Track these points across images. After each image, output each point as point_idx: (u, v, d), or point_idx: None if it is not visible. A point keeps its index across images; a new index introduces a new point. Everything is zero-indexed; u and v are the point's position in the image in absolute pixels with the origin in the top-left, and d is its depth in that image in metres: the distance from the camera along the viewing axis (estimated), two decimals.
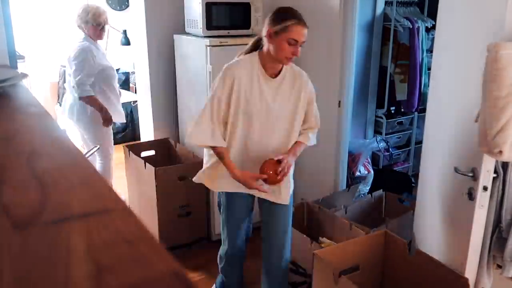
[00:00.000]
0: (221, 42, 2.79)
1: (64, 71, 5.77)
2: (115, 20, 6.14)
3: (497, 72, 1.42)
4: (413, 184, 3.54)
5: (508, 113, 1.43)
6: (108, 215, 0.45)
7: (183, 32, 3.09)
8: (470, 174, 1.66)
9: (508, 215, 1.67)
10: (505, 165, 1.64)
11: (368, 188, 3.50)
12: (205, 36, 2.80)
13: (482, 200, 1.65)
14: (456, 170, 1.72)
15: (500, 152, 1.47)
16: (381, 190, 3.07)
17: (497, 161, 1.61)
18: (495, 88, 1.43)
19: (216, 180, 2.12)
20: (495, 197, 1.66)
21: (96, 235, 0.41)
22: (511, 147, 1.46)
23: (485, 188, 1.63)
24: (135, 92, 4.70)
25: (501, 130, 1.45)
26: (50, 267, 0.36)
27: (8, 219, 0.43)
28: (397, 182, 3.61)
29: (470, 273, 1.77)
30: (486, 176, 1.62)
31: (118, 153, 5.06)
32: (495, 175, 1.64)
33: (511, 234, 1.66)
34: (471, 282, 1.77)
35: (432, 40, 2.48)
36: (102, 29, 3.20)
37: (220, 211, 2.28)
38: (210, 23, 2.82)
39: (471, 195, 1.67)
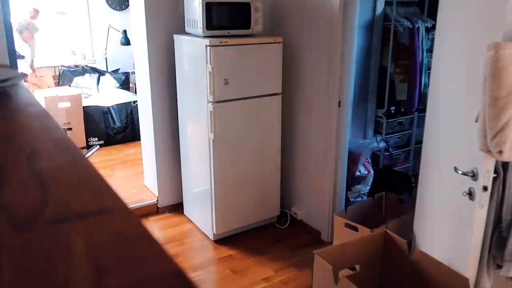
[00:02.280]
0: (221, 42, 2.79)
1: (64, 71, 5.79)
2: (115, 20, 6.14)
3: (497, 72, 1.42)
4: (413, 184, 3.54)
5: (508, 113, 1.43)
6: (108, 215, 0.45)
7: (183, 32, 3.09)
8: (470, 174, 1.66)
9: (508, 215, 1.67)
10: (505, 165, 1.64)
11: (368, 188, 3.50)
12: (205, 36, 2.80)
13: (482, 200, 1.64)
14: (456, 170, 1.72)
15: (500, 152, 1.47)
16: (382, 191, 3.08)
17: (497, 161, 1.61)
18: (495, 88, 1.43)
19: None
20: (495, 197, 1.66)
21: (96, 235, 0.41)
22: (511, 147, 1.46)
23: (485, 188, 1.63)
24: (135, 92, 4.70)
25: (501, 130, 1.45)
26: (50, 267, 0.36)
27: (8, 219, 0.43)
28: (397, 182, 3.61)
29: (470, 273, 1.77)
30: (486, 176, 1.62)
31: (117, 153, 5.07)
32: (495, 175, 1.63)
33: (511, 234, 1.66)
34: (471, 282, 1.77)
35: (432, 40, 2.48)
36: None
37: None
38: (210, 23, 2.82)
39: (471, 195, 1.67)
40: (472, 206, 1.68)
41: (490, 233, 1.72)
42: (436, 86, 2.10)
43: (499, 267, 1.78)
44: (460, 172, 1.70)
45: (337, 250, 2.19)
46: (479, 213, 1.67)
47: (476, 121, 1.55)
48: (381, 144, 3.94)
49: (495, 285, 1.82)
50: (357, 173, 3.48)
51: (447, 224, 1.96)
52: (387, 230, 2.26)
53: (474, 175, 1.65)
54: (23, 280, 0.34)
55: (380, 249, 2.24)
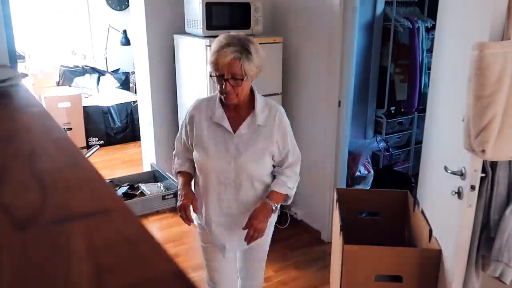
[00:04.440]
0: None
1: (64, 71, 5.79)
2: (115, 20, 6.14)
3: (481, 71, 1.43)
4: (413, 184, 3.54)
5: (491, 113, 1.44)
6: (108, 215, 0.45)
7: (183, 32, 3.09)
8: (459, 173, 1.66)
9: (496, 215, 1.67)
10: (493, 164, 1.64)
11: (368, 188, 3.50)
12: (205, 36, 2.80)
13: (470, 200, 1.64)
14: (445, 169, 1.72)
15: (483, 151, 1.47)
16: None
17: (485, 161, 1.61)
18: (478, 87, 1.44)
19: None
20: (483, 197, 1.66)
21: (96, 235, 0.41)
22: (494, 146, 1.46)
23: (472, 188, 1.62)
24: (135, 92, 4.70)
25: (484, 129, 1.45)
26: (50, 267, 0.36)
27: (8, 219, 0.43)
28: (397, 182, 3.61)
29: (458, 273, 1.76)
30: (473, 175, 1.61)
31: (117, 153, 5.07)
32: (483, 174, 1.63)
33: (498, 234, 1.65)
34: (460, 282, 1.77)
35: (432, 40, 2.48)
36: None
37: None
38: (210, 23, 2.82)
39: (459, 194, 1.67)
40: (461, 205, 1.68)
41: (478, 232, 1.71)
42: (436, 86, 2.10)
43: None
44: (449, 171, 1.71)
45: (359, 193, 2.29)
46: (467, 212, 1.67)
47: (463, 120, 1.55)
48: (381, 144, 3.94)
49: (483, 285, 1.81)
50: (357, 173, 3.48)
51: (439, 224, 1.96)
52: (408, 192, 2.42)
53: (462, 175, 1.65)
54: (23, 280, 0.34)
55: (401, 206, 2.40)
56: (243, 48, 1.64)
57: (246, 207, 1.80)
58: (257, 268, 2.09)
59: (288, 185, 1.82)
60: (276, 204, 1.80)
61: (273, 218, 1.90)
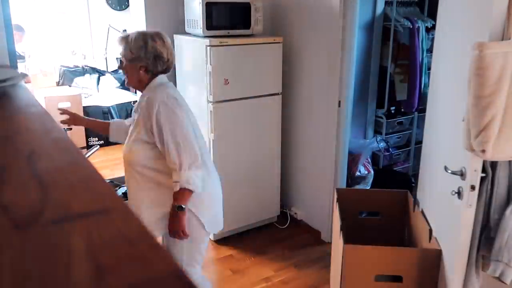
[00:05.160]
0: (221, 42, 2.79)
1: (64, 71, 5.79)
2: (115, 20, 6.14)
3: (481, 71, 1.43)
4: (413, 184, 3.54)
5: (491, 112, 1.44)
6: (108, 215, 0.45)
7: (183, 32, 3.09)
8: (459, 173, 1.66)
9: (496, 215, 1.67)
10: (494, 164, 1.64)
11: (368, 188, 3.50)
12: (205, 36, 2.81)
13: (470, 199, 1.64)
14: (446, 169, 1.72)
15: (483, 151, 1.47)
16: None
17: (486, 161, 1.61)
18: (478, 87, 1.44)
19: None
20: (483, 197, 1.66)
21: (96, 235, 0.41)
22: (494, 146, 1.46)
23: (472, 188, 1.62)
24: (135, 92, 4.70)
25: (484, 129, 1.45)
26: (50, 267, 0.36)
27: (8, 219, 0.43)
28: (397, 182, 3.61)
29: (458, 273, 1.76)
30: (473, 175, 1.62)
31: (117, 153, 5.07)
32: (483, 174, 1.63)
33: (498, 234, 1.65)
34: (460, 282, 1.77)
35: (432, 40, 2.48)
36: None
37: None
38: (210, 23, 2.82)
39: (459, 194, 1.67)
40: (461, 205, 1.68)
41: (478, 232, 1.71)
42: (436, 86, 2.10)
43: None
44: (449, 171, 1.71)
45: (359, 193, 2.29)
46: (467, 212, 1.67)
47: (464, 120, 1.55)
48: (381, 144, 3.94)
49: (483, 285, 1.81)
50: (357, 173, 3.48)
51: (439, 224, 1.96)
52: (408, 192, 2.41)
53: (462, 174, 1.65)
54: (23, 280, 0.34)
55: (401, 206, 2.40)
56: None
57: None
58: None
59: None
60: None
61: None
